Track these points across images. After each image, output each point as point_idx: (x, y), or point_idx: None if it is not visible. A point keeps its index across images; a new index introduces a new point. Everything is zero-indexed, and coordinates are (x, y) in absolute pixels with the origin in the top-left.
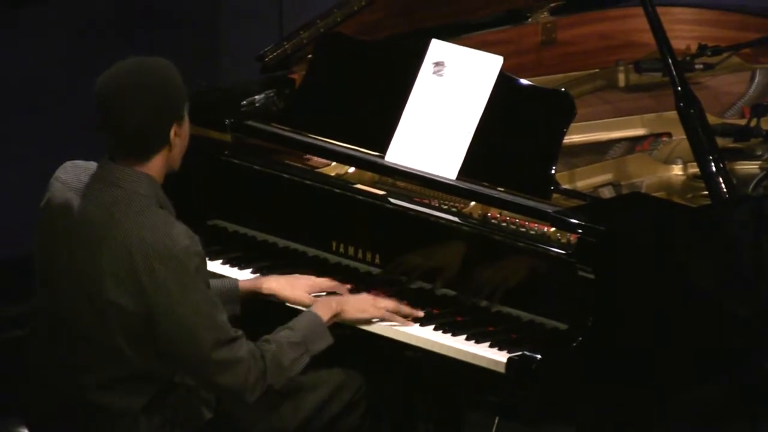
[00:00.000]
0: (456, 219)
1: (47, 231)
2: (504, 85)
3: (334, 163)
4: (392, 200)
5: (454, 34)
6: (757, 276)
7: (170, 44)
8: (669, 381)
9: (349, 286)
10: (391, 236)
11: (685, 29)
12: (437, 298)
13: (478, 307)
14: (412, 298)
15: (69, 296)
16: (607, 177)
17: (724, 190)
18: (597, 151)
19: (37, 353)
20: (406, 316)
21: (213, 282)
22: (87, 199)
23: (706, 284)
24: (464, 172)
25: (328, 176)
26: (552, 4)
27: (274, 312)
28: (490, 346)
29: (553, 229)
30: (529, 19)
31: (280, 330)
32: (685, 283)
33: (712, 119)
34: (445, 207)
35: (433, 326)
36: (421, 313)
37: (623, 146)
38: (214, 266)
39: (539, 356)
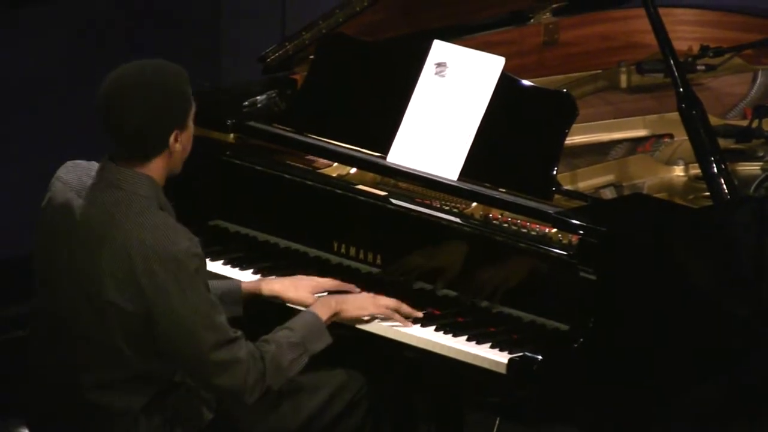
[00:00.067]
0: (457, 220)
1: (48, 231)
2: (506, 85)
3: (335, 164)
4: (394, 201)
5: (456, 34)
6: (758, 277)
7: (171, 45)
8: (669, 381)
9: (353, 287)
10: (393, 237)
11: (687, 30)
12: (438, 299)
13: (479, 308)
14: (413, 299)
15: (69, 296)
16: (608, 178)
17: (726, 191)
18: (598, 152)
19: (36, 353)
20: (406, 316)
21: (216, 283)
22: (87, 200)
23: (706, 285)
24: (466, 172)
25: (329, 177)
26: (554, 5)
27: (274, 312)
28: (491, 346)
29: (554, 230)
30: (531, 20)
31: (278, 330)
32: (686, 284)
33: (713, 120)
34: (447, 208)
35: (434, 327)
36: (420, 314)
37: (625, 147)
38: (215, 267)
39: (540, 357)
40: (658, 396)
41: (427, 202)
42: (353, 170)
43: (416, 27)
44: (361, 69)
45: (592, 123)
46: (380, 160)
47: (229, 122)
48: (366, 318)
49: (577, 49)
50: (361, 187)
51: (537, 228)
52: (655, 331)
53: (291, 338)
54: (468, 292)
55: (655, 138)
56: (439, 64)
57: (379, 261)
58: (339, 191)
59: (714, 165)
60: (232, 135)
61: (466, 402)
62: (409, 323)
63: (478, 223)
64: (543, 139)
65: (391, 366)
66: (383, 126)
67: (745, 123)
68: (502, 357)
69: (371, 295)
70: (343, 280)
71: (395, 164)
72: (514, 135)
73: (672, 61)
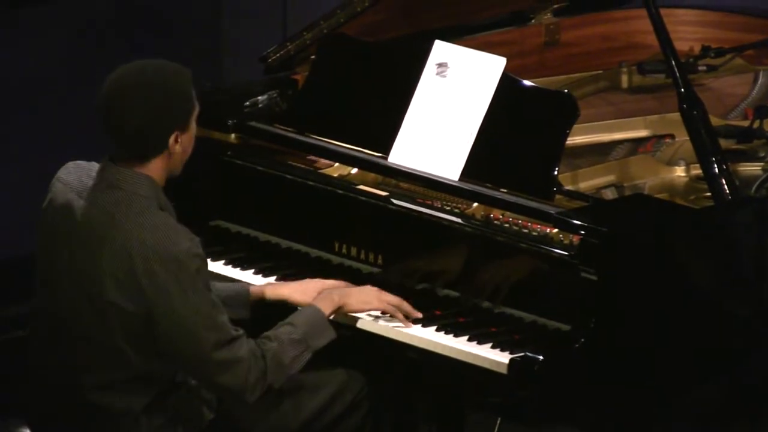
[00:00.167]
0: (458, 220)
1: (48, 232)
2: (507, 86)
3: (337, 164)
4: (395, 201)
5: (457, 35)
6: (758, 277)
7: (172, 45)
8: (670, 381)
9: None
10: (394, 237)
11: (688, 31)
12: (439, 299)
13: (480, 308)
14: (415, 299)
15: (69, 296)
16: (609, 178)
17: (727, 191)
18: (600, 152)
19: (37, 353)
20: (408, 314)
21: (223, 285)
22: (88, 200)
23: (707, 285)
24: (467, 173)
25: (330, 177)
26: (555, 6)
27: (280, 316)
28: (493, 347)
29: (555, 230)
30: (533, 21)
31: (280, 326)
32: (687, 284)
33: (715, 121)
34: (448, 208)
35: (435, 327)
36: (420, 314)
37: (626, 147)
38: (217, 267)
39: (541, 357)
40: (659, 396)
41: (429, 202)
42: (354, 170)
43: (417, 27)
44: (362, 69)
45: (594, 123)
46: (381, 161)
47: (230, 122)
48: (369, 312)
49: (578, 50)
50: (362, 187)
51: (538, 228)
52: (656, 331)
53: (293, 335)
54: (469, 292)
55: (657, 138)
56: (440, 65)
57: (380, 261)
58: (340, 191)
59: (715, 165)
60: (233, 135)
61: (467, 402)
62: (410, 323)
63: (480, 223)
64: (544, 140)
65: (392, 366)
66: (384, 126)
67: (746, 123)
68: (503, 357)
69: (375, 289)
70: (344, 280)
71: (396, 164)
72: (515, 135)
73: (673, 62)
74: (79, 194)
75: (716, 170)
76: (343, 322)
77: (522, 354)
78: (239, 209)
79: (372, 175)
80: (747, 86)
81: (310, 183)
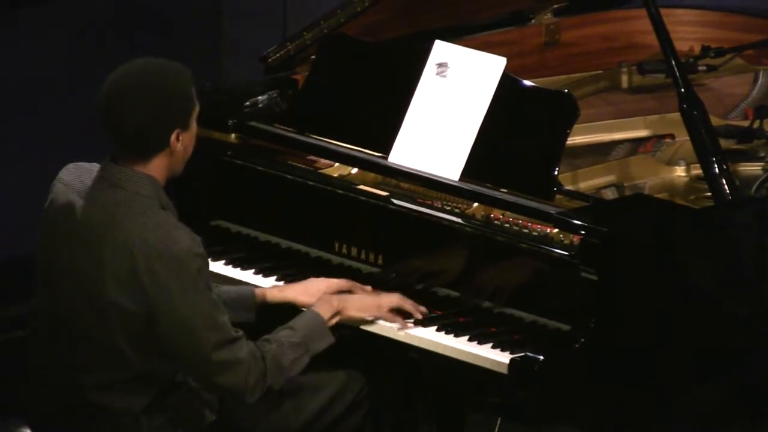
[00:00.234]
0: (459, 220)
1: (49, 232)
2: (507, 86)
3: (337, 164)
4: (395, 201)
5: (457, 35)
6: (759, 277)
7: (172, 45)
8: (670, 381)
9: (369, 288)
10: (394, 237)
11: (688, 31)
12: (439, 299)
13: (480, 308)
14: (415, 299)
15: (69, 296)
16: (610, 178)
17: (727, 191)
18: (600, 152)
19: (37, 353)
20: (408, 316)
21: (228, 288)
22: (89, 200)
23: (707, 285)
24: (467, 173)
25: (331, 177)
26: (555, 6)
27: (285, 319)
28: (493, 347)
29: (555, 230)
30: (533, 21)
31: (280, 329)
32: (687, 284)
33: (715, 121)
34: (448, 208)
35: (435, 327)
36: (422, 315)
37: (626, 147)
38: (217, 267)
39: (542, 357)
40: (660, 396)
41: (429, 202)
42: (354, 170)
43: (417, 27)
44: (362, 69)
45: (594, 123)
46: (382, 161)
47: (230, 122)
48: (367, 319)
49: (578, 50)
50: (362, 187)
51: (538, 228)
52: (656, 331)
53: (292, 338)
54: (469, 292)
55: (657, 138)
56: (440, 65)
57: (380, 261)
58: (340, 191)
59: (715, 165)
60: (233, 135)
61: (467, 402)
62: (410, 325)
63: (480, 223)
64: (544, 140)
65: (392, 366)
66: (384, 126)
67: (746, 123)
68: (503, 357)
69: (375, 295)
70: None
71: (397, 164)
72: (515, 135)
73: (673, 62)
74: (80, 194)
75: (716, 170)
76: (344, 322)
77: (522, 354)
78: (239, 209)
79: (372, 175)
80: (747, 86)
81: (310, 183)
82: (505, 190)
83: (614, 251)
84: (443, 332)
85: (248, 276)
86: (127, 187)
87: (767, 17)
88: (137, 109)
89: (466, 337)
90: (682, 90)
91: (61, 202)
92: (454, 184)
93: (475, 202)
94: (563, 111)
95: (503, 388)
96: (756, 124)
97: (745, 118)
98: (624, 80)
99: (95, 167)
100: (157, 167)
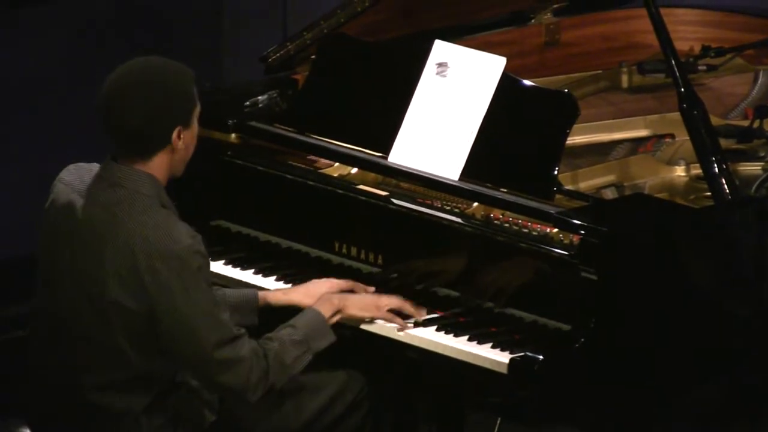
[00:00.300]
0: (458, 220)
1: (50, 232)
2: (507, 86)
3: (337, 164)
4: (395, 201)
5: (457, 35)
6: (758, 277)
7: (172, 45)
8: (670, 381)
9: (372, 289)
10: (394, 237)
11: (688, 30)
12: (439, 299)
13: (480, 308)
14: (415, 299)
15: (69, 296)
16: (609, 178)
17: (727, 191)
18: (600, 152)
19: (37, 354)
20: (408, 316)
21: (231, 291)
22: (90, 200)
23: (707, 285)
24: (467, 172)
25: (331, 177)
26: (555, 6)
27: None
28: (493, 347)
29: (555, 230)
30: (533, 21)
31: (281, 328)
32: (687, 284)
33: (715, 120)
34: (448, 208)
35: (435, 327)
36: (424, 314)
37: (626, 147)
38: (217, 267)
39: (541, 357)
40: (660, 396)
41: (429, 202)
42: (354, 170)
43: (417, 27)
44: (362, 69)
45: (594, 123)
46: (381, 160)
47: (230, 122)
48: (368, 319)
49: (578, 50)
50: (362, 187)
51: (538, 228)
52: (656, 331)
53: (294, 336)
54: (469, 292)
55: (657, 138)
56: (440, 64)
57: (380, 261)
58: (340, 191)
59: (715, 165)
60: (233, 135)
61: (467, 402)
62: (410, 325)
63: (480, 223)
64: (544, 140)
65: (392, 366)
66: (384, 126)
67: (746, 123)
68: (503, 357)
69: (375, 295)
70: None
71: (396, 164)
72: (515, 135)
73: (673, 62)
74: (80, 194)
75: (716, 170)
76: (344, 321)
77: (522, 354)
78: (239, 209)
79: (372, 175)
80: (747, 86)
81: (310, 183)
82: (505, 190)
83: (614, 251)
84: (443, 332)
85: (248, 276)
86: (128, 185)
87: (767, 17)
88: (137, 108)
89: (466, 337)
90: (682, 90)
91: (61, 202)
92: (454, 183)
93: (475, 201)
94: (563, 111)
95: (503, 387)
96: (756, 124)
97: (745, 118)
98: (624, 80)
99: (96, 167)
100: (157, 166)
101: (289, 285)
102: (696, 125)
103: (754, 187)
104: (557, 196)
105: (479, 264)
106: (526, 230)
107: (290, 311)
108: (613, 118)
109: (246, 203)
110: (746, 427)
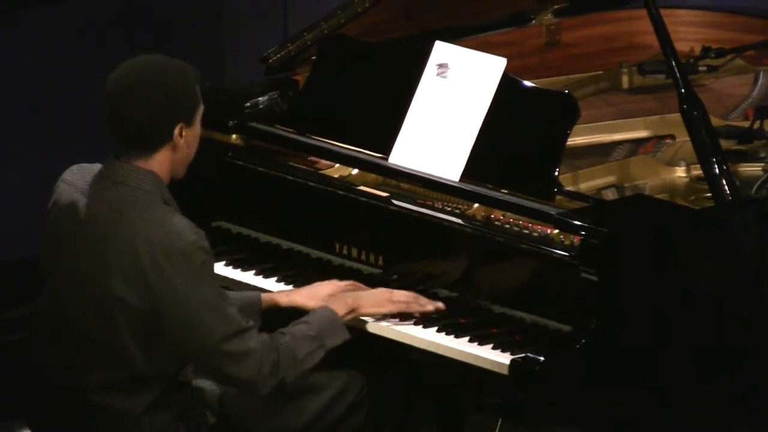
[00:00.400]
0: (459, 221)
1: (53, 232)
2: (508, 86)
3: (337, 165)
4: (395, 202)
5: (457, 35)
6: (759, 278)
7: (172, 45)
8: (670, 382)
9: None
10: (395, 238)
11: (688, 31)
12: (440, 300)
13: (481, 309)
14: None
15: (72, 297)
16: (610, 179)
17: (728, 192)
18: (600, 153)
19: (39, 354)
20: (422, 309)
21: (235, 294)
22: (92, 198)
23: (708, 286)
24: (467, 173)
25: (331, 178)
26: (556, 6)
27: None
28: (494, 347)
29: (556, 231)
30: (533, 21)
31: (295, 323)
32: (687, 284)
33: (715, 121)
34: (449, 209)
35: (436, 328)
36: (440, 305)
37: (626, 148)
38: (218, 268)
39: (542, 358)
40: (660, 396)
41: (429, 203)
42: (355, 171)
43: (418, 28)
44: (362, 70)
45: (594, 124)
46: (382, 161)
47: (231, 123)
48: (384, 314)
49: (578, 50)
50: (362, 188)
51: (539, 229)
52: (656, 331)
53: (307, 331)
54: (470, 293)
55: (657, 139)
56: (440, 65)
57: (380, 262)
58: (341, 192)
59: (716, 166)
60: (234, 136)
61: (467, 403)
62: (411, 326)
63: (480, 224)
64: (545, 140)
65: (393, 366)
66: (385, 127)
67: (746, 124)
68: (504, 358)
69: (387, 290)
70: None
71: (397, 165)
72: (515, 136)
73: (674, 62)
74: (83, 194)
75: (717, 171)
76: (361, 319)
77: (523, 355)
78: (240, 210)
79: (372, 176)
80: (747, 87)
81: (311, 184)
82: (506, 191)
83: (614, 252)
84: (444, 333)
85: (249, 277)
86: (130, 183)
87: (767, 18)
88: (138, 106)
89: (467, 338)
90: (683, 90)
91: (64, 202)
92: (455, 184)
93: (475, 202)
94: (564, 111)
95: (504, 388)
96: (756, 125)
97: (745, 119)
98: (624, 81)
99: (98, 167)
100: (159, 163)
101: (290, 286)
102: (696, 126)
103: (754, 188)
104: (558, 197)
105: (480, 265)
106: (526, 231)
107: (293, 314)
108: (614, 119)
109: (247, 204)
110: (746, 427)
